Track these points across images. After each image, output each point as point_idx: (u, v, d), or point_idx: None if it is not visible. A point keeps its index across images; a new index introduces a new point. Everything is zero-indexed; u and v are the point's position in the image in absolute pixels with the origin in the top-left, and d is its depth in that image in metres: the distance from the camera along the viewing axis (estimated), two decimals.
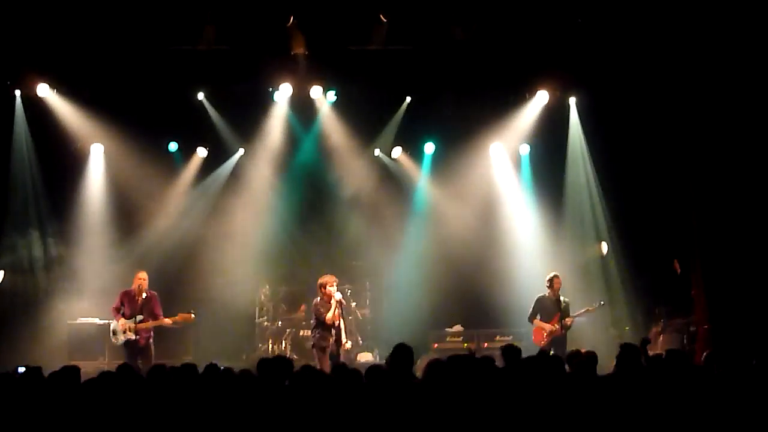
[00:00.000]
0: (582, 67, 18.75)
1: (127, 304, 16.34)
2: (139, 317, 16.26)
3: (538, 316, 16.99)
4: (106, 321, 17.73)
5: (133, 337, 16.17)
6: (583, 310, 17.19)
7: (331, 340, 15.57)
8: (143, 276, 16.70)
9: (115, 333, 16.33)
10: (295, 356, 18.57)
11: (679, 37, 17.41)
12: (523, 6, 17.83)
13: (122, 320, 16.23)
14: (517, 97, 19.94)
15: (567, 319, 16.90)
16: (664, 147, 18.77)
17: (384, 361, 9.98)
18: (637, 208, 19.53)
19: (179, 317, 16.67)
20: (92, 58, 18.32)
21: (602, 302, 17.68)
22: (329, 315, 15.41)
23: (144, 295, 16.50)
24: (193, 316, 16.78)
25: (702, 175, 18.26)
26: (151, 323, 16.38)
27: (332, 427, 7.23)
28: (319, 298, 15.81)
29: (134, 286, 16.55)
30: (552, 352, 15.53)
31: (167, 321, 16.58)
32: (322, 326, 15.54)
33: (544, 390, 8.13)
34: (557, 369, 9.43)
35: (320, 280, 15.90)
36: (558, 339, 16.77)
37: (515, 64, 18.84)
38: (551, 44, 18.26)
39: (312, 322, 15.90)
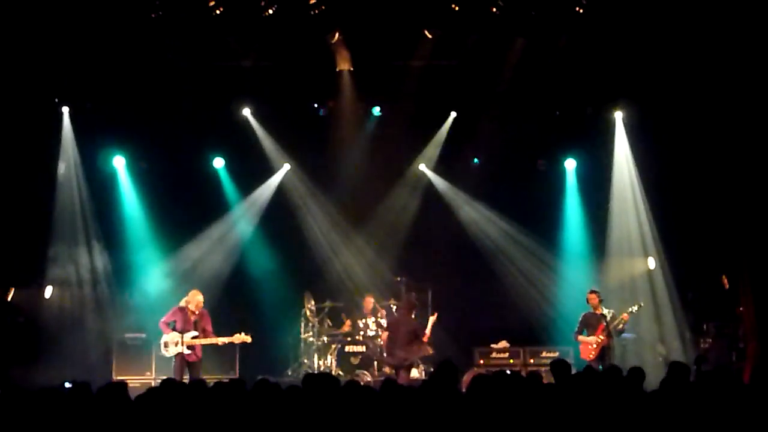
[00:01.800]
0: (628, 80, 18.63)
1: (180, 319, 16.42)
2: (194, 333, 16.35)
3: (584, 332, 16.84)
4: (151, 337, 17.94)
5: (186, 352, 16.28)
6: (622, 316, 16.87)
7: None
8: (200, 296, 16.82)
9: (166, 345, 16.42)
10: (340, 372, 18.58)
11: (726, 50, 17.26)
12: (567, 20, 17.73)
13: (174, 333, 16.31)
14: (564, 111, 19.83)
15: (610, 326, 16.63)
16: (711, 160, 18.60)
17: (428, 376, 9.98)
18: (684, 222, 19.35)
19: (235, 338, 16.78)
20: (139, 74, 18.48)
21: (641, 304, 17.42)
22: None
23: (197, 312, 16.60)
24: (249, 339, 16.88)
25: (751, 189, 18.08)
26: (205, 340, 16.51)
27: None
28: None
29: (189, 304, 16.63)
30: (601, 367, 15.48)
31: (223, 340, 16.72)
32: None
33: (592, 406, 8.06)
34: (606, 384, 9.36)
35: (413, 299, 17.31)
36: (606, 347, 16.48)
37: (562, 78, 18.78)
38: (598, 59, 18.19)
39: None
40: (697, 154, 18.78)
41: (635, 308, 16.96)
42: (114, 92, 18.91)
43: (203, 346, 16.57)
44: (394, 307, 19.55)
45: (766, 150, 17.78)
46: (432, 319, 17.16)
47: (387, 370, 18.39)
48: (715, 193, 18.75)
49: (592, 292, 16.95)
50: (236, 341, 16.88)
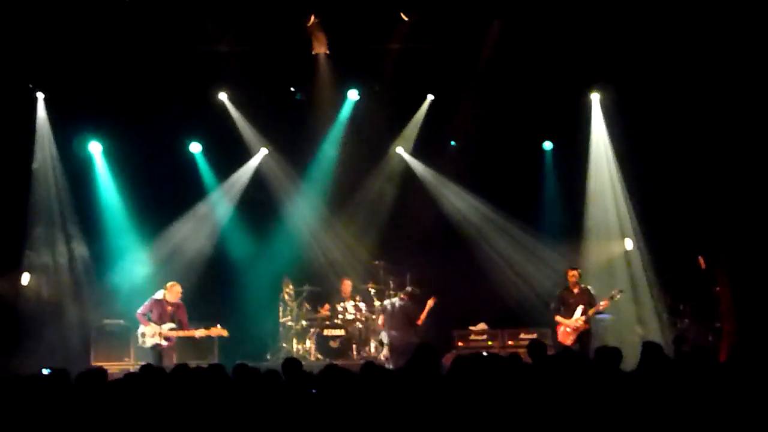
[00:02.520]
0: (605, 63, 18.65)
1: (156, 311, 16.55)
2: (170, 325, 16.43)
3: (561, 310, 16.88)
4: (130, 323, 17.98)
5: (163, 344, 16.38)
6: (602, 302, 16.97)
7: None
8: (178, 287, 16.89)
9: (144, 336, 16.48)
10: (319, 356, 18.61)
11: (703, 30, 17.30)
12: (544, 2, 17.75)
13: (152, 325, 16.38)
14: (541, 94, 19.83)
15: (590, 311, 16.70)
16: (688, 142, 18.64)
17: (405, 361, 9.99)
18: (661, 203, 19.39)
19: (212, 332, 16.94)
20: (114, 59, 18.38)
21: (621, 290, 17.50)
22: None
23: (174, 303, 16.64)
24: (226, 333, 17.00)
25: (727, 171, 18.14)
26: (181, 333, 16.60)
27: (358, 425, 7.21)
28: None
29: (166, 295, 16.65)
30: (578, 347, 15.58)
31: (200, 333, 16.85)
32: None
33: (569, 386, 8.09)
34: (582, 366, 9.39)
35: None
36: (584, 333, 16.57)
37: (538, 61, 18.78)
38: (574, 41, 18.20)
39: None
40: (673, 135, 18.81)
41: (618, 295, 17.03)
42: (89, 78, 18.73)
43: (178, 337, 16.63)
44: (371, 292, 19.67)
45: (743, 131, 17.83)
46: (429, 303, 17.34)
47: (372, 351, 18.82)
48: (692, 174, 18.80)
49: (572, 268, 17.04)
50: (213, 334, 17.06)
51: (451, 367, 8.30)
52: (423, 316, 17.28)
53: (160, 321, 16.51)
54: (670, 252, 19.39)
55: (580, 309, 16.68)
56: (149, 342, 16.48)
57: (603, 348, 9.73)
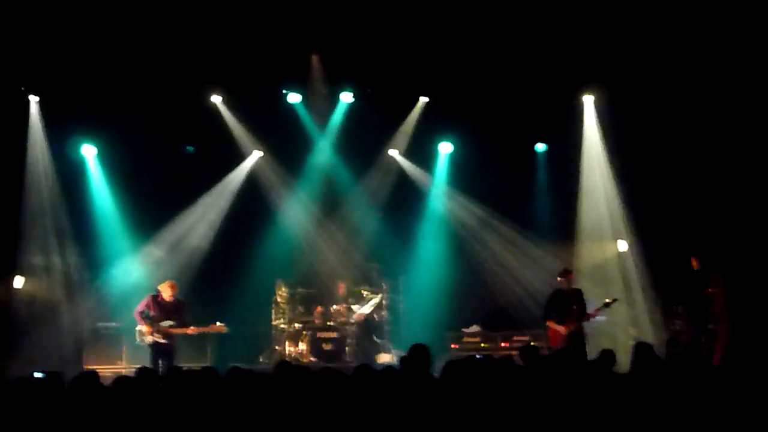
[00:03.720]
0: (598, 64, 18.66)
1: (155, 308, 16.42)
2: (169, 322, 16.37)
3: (552, 314, 16.75)
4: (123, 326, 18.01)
5: (162, 341, 16.28)
6: (597, 308, 16.86)
7: None
8: (173, 285, 16.83)
9: (141, 334, 16.38)
10: (313, 358, 18.60)
11: (696, 31, 17.33)
12: (538, 5, 17.76)
13: (150, 323, 16.31)
14: (533, 95, 19.83)
15: (580, 320, 16.58)
16: (682, 144, 18.68)
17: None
18: (655, 204, 19.41)
19: (212, 328, 16.92)
20: (107, 62, 18.36)
21: (616, 299, 17.39)
22: None
23: (172, 301, 16.60)
24: (225, 329, 16.95)
25: (721, 172, 18.17)
26: (181, 330, 16.52)
27: (351, 428, 7.22)
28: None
29: (162, 293, 16.62)
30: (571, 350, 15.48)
31: (200, 329, 16.82)
32: None
33: (562, 388, 8.10)
34: (575, 367, 9.41)
35: None
36: (576, 335, 16.43)
37: (530, 62, 18.79)
38: (567, 42, 18.21)
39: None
40: (666, 137, 18.84)
41: (612, 304, 16.88)
42: (83, 80, 18.70)
43: (178, 334, 16.56)
44: (365, 294, 19.77)
45: (737, 132, 17.86)
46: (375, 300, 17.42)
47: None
48: (685, 175, 18.84)
49: (566, 271, 16.92)
50: (213, 331, 16.96)
51: (443, 370, 8.31)
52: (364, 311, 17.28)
53: (159, 318, 16.39)
54: (664, 253, 19.39)
55: (572, 312, 16.51)
56: (147, 339, 16.34)
57: (596, 351, 9.76)
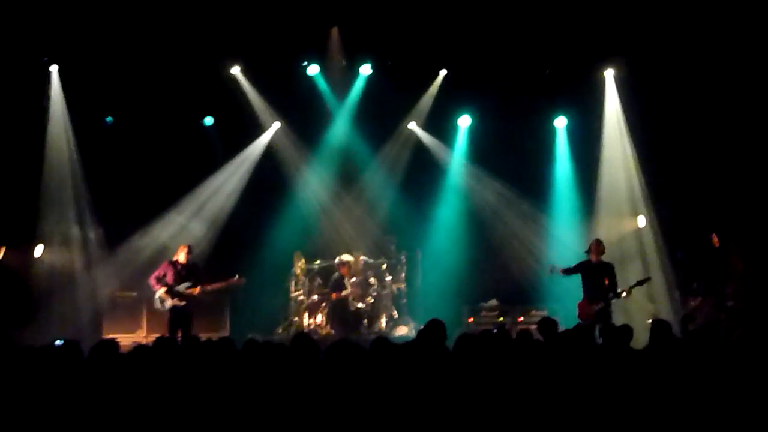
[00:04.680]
0: (620, 37, 18.55)
1: (170, 273, 16.51)
2: (186, 284, 16.46)
3: (574, 273, 16.68)
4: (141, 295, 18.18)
5: (181, 304, 16.35)
6: (630, 286, 16.63)
7: None
8: (187, 248, 17.04)
9: (162, 300, 16.45)
10: (331, 330, 18.63)
11: (720, 4, 17.20)
12: None
13: (167, 287, 16.39)
14: (555, 69, 19.74)
15: (621, 291, 16.31)
16: (703, 118, 18.57)
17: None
18: (674, 180, 19.35)
19: (228, 282, 17.12)
20: (127, 32, 18.35)
21: (649, 277, 17.28)
22: None
23: (187, 264, 16.70)
24: (243, 281, 17.24)
25: (743, 148, 18.07)
26: (198, 289, 16.60)
27: (365, 400, 7.23)
28: None
29: (178, 257, 16.73)
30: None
31: (217, 285, 16.95)
32: None
33: (579, 363, 8.10)
34: (592, 343, 9.42)
35: None
36: (604, 311, 16.26)
37: (553, 35, 18.69)
38: (588, 15, 18.10)
39: None
40: (688, 112, 18.75)
41: (643, 282, 16.73)
42: (104, 51, 18.74)
43: (195, 301, 16.61)
44: (383, 267, 19.76)
45: (760, 108, 17.75)
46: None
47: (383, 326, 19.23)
48: (706, 150, 18.74)
49: (596, 242, 16.70)
50: (230, 285, 17.22)
51: (456, 343, 8.31)
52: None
53: (175, 282, 16.54)
54: (683, 229, 19.33)
55: (604, 282, 16.28)
56: (168, 304, 16.47)
57: (615, 326, 9.74)
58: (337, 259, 19.47)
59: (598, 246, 16.63)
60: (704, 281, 18.74)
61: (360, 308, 19.17)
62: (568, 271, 16.61)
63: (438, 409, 7.05)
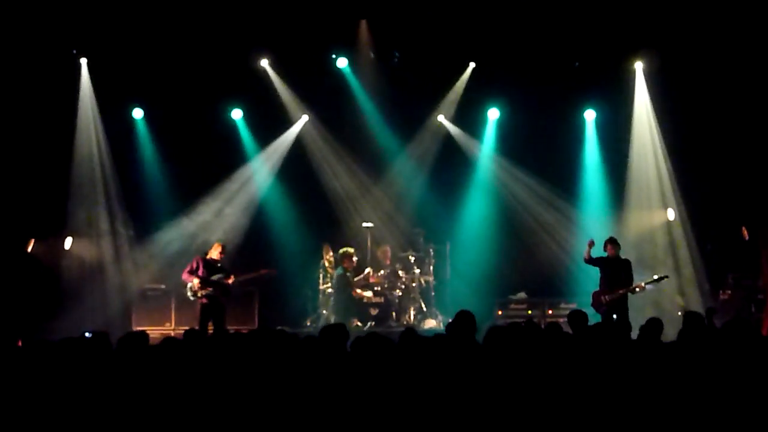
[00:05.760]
0: (650, 30, 18.46)
1: (203, 267, 16.49)
2: (219, 275, 16.50)
3: (596, 264, 16.63)
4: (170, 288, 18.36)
5: (213, 294, 16.41)
6: (647, 281, 16.63)
7: None
8: (222, 245, 17.03)
9: (192, 290, 16.44)
10: (358, 323, 18.63)
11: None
12: None
13: (200, 278, 16.43)
14: (584, 62, 19.66)
15: (635, 286, 16.35)
16: (732, 111, 18.45)
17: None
18: (704, 173, 19.24)
19: (259, 272, 17.17)
20: (157, 25, 18.41)
21: (666, 276, 17.20)
22: None
23: (221, 261, 16.75)
24: (275, 271, 17.43)
25: None
26: (233, 278, 16.70)
27: (393, 392, 7.23)
28: None
29: (211, 253, 16.74)
30: (615, 317, 15.42)
31: (249, 275, 17.07)
32: None
33: (610, 356, 8.06)
34: (623, 335, 9.37)
35: None
36: (619, 302, 16.26)
37: (582, 28, 18.62)
38: (619, 8, 18.03)
39: None
40: (718, 104, 18.64)
41: (660, 279, 16.68)
42: (132, 43, 18.83)
43: (227, 293, 16.68)
44: (411, 259, 19.73)
45: None
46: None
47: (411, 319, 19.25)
48: (736, 143, 18.62)
49: (611, 241, 16.66)
50: (262, 274, 17.25)
51: (485, 336, 8.28)
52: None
53: (208, 274, 16.51)
54: (713, 222, 19.24)
55: (619, 278, 16.32)
56: (201, 293, 16.44)
57: (643, 319, 9.69)
58: (339, 252, 19.43)
59: (613, 244, 16.55)
60: (734, 274, 18.65)
61: (388, 301, 19.18)
62: (590, 261, 16.56)
63: (467, 401, 7.03)
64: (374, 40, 19.98)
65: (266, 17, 18.64)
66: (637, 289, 16.27)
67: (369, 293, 19.26)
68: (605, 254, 16.50)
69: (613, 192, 20.38)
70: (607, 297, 16.12)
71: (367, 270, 19.65)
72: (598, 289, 16.39)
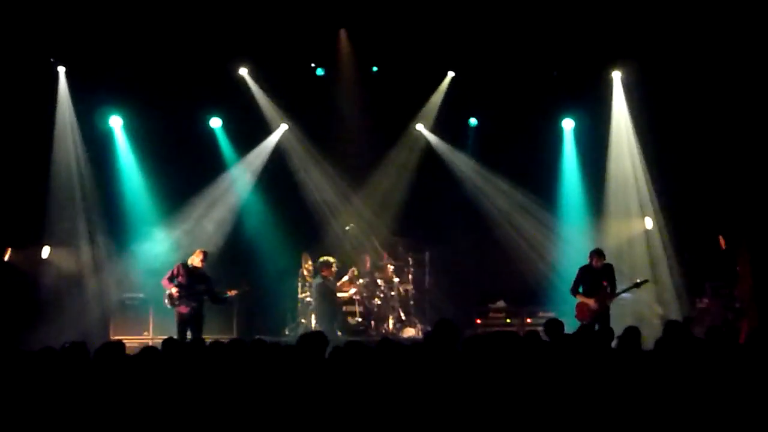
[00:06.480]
0: (627, 40, 18.54)
1: (184, 275, 16.40)
2: (201, 286, 16.40)
3: (581, 288, 16.59)
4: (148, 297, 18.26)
5: (193, 304, 16.32)
6: (627, 287, 16.75)
7: None
8: (203, 252, 16.89)
9: (170, 298, 16.35)
10: (339, 332, 18.60)
11: (727, 6, 17.19)
12: None
13: (179, 288, 16.33)
14: (562, 71, 19.74)
15: (609, 298, 16.40)
16: (710, 120, 18.54)
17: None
18: (682, 182, 19.33)
19: (237, 291, 17.00)
20: (135, 33, 18.38)
21: (647, 280, 17.26)
22: None
23: (202, 269, 16.65)
24: (249, 288, 17.24)
25: (750, 150, 18.04)
26: (234, 292, 16.83)
27: (373, 402, 7.23)
28: None
29: (192, 261, 16.65)
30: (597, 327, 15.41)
31: (233, 292, 16.93)
32: None
33: (587, 364, 8.08)
34: (601, 344, 9.39)
35: None
36: (602, 312, 16.31)
37: (560, 37, 18.69)
38: (596, 17, 18.10)
39: None
40: (695, 114, 18.72)
41: (640, 284, 16.74)
42: (111, 51, 18.76)
43: (205, 304, 16.60)
44: (390, 268, 19.71)
45: (766, 111, 17.73)
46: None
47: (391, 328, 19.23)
48: (713, 153, 18.71)
49: (597, 253, 16.64)
50: (238, 292, 17.07)
51: (464, 345, 8.30)
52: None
53: (188, 284, 16.40)
54: (690, 231, 19.31)
55: (602, 288, 16.34)
56: (177, 303, 16.35)
57: (621, 328, 9.71)
58: (318, 261, 19.40)
59: (599, 256, 16.55)
60: (712, 283, 18.73)
61: (367, 310, 19.19)
62: (575, 292, 16.57)
63: (446, 409, 7.04)
64: (354, 49, 19.98)
65: (246, 26, 18.61)
66: (611, 301, 16.29)
67: (354, 290, 19.31)
68: (589, 263, 16.48)
69: (592, 200, 20.46)
70: (593, 304, 16.08)
71: (351, 270, 19.65)
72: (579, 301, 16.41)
